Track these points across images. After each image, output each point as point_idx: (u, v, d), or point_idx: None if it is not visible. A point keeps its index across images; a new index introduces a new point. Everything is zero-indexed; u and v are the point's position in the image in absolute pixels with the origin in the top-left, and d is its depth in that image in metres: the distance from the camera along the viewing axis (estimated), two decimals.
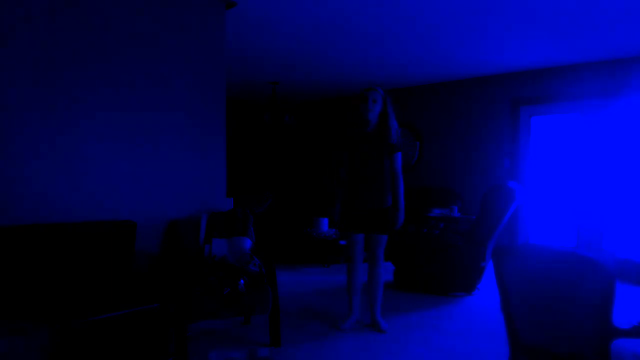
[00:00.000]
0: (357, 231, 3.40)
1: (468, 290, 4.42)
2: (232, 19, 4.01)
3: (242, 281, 2.87)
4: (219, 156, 3.77)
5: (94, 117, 2.99)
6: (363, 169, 3.35)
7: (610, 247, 5.36)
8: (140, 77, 3.23)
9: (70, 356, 2.26)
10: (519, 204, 4.56)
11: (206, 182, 3.67)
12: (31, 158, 2.73)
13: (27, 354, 2.06)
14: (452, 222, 5.59)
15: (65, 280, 2.66)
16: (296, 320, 3.62)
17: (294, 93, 7.68)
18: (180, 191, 3.46)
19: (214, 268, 2.97)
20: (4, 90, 2.63)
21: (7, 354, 2.00)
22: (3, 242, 2.54)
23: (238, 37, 4.58)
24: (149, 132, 3.29)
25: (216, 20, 3.71)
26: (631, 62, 5.20)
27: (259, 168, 9.01)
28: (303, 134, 8.60)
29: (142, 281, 3.13)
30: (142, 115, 3.24)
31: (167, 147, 3.39)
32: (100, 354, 2.40)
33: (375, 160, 3.33)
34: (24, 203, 2.70)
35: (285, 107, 8.47)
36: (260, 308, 2.93)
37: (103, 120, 3.04)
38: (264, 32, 4.52)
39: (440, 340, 3.23)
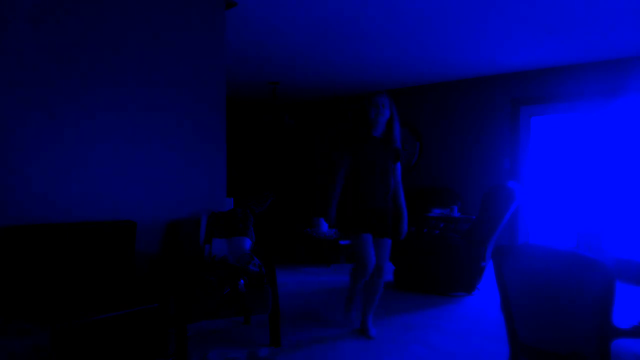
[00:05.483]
0: (366, 230, 3.27)
1: (468, 290, 4.42)
2: (232, 19, 4.01)
3: (242, 281, 2.87)
4: (219, 156, 3.77)
5: (93, 118, 3.00)
6: (370, 171, 3.31)
7: (610, 247, 5.36)
8: (140, 77, 3.23)
9: (71, 356, 2.26)
10: (519, 204, 4.56)
11: (206, 182, 3.67)
12: (32, 159, 2.74)
13: (28, 354, 2.06)
14: (452, 222, 5.59)
15: (66, 280, 2.67)
16: (296, 320, 3.62)
17: (294, 93, 7.67)
18: (180, 191, 3.47)
19: (214, 268, 2.97)
20: (5, 91, 2.64)
21: (7, 354, 2.00)
22: (3, 242, 2.54)
23: (238, 37, 4.58)
24: (149, 132, 3.29)
25: (216, 20, 3.71)
26: (631, 62, 5.20)
27: (259, 168, 9.02)
28: (303, 134, 8.61)
29: (142, 281, 3.14)
30: (141, 116, 3.25)
31: (167, 147, 3.39)
32: (100, 354, 2.40)
33: (382, 163, 3.33)
34: (24, 203, 2.70)
35: (285, 107, 8.47)
36: (260, 308, 2.93)
37: (102, 120, 3.05)
38: (264, 32, 4.52)
39: (440, 341, 3.23)
